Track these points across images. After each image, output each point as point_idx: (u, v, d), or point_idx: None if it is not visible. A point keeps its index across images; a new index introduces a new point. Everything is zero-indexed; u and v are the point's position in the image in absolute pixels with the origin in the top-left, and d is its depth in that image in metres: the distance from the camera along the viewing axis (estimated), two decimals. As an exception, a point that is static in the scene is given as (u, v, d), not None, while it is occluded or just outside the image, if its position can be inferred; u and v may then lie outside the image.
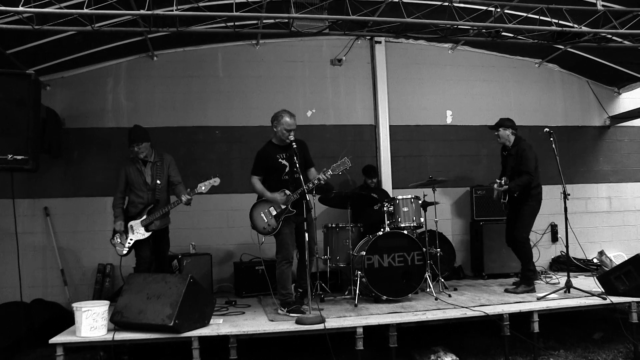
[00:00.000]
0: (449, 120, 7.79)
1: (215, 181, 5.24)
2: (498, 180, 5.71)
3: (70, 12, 4.72)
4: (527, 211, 5.68)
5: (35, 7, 4.57)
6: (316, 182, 4.94)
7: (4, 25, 4.84)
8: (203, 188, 5.24)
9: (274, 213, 4.99)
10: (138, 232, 5.28)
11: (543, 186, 5.83)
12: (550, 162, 5.61)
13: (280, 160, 5.04)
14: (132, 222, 5.31)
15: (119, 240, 5.31)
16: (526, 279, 5.70)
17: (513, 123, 5.93)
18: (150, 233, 5.30)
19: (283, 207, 4.96)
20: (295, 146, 4.86)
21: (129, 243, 5.28)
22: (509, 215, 5.95)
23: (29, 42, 5.70)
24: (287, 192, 4.95)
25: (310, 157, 5.27)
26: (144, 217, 5.29)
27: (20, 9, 4.51)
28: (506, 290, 5.73)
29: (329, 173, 4.92)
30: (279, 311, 4.96)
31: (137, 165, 5.38)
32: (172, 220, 5.55)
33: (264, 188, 5.05)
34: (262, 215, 5.03)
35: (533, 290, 5.56)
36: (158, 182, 5.35)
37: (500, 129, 5.90)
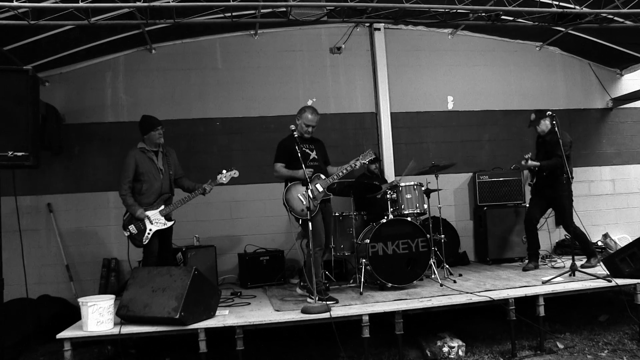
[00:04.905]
0: (450, 106, 7.74)
1: (235, 173, 5.34)
2: (526, 156, 5.85)
3: (66, 6, 4.67)
4: (566, 203, 5.79)
5: (30, 1, 4.53)
6: (350, 167, 5.09)
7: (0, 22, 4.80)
8: (224, 179, 5.30)
9: (312, 195, 4.90)
10: (158, 222, 5.12)
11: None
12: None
13: (305, 149, 5.10)
14: (147, 212, 5.10)
15: (135, 230, 5.06)
16: (592, 255, 5.97)
17: (546, 111, 6.05)
18: (172, 222, 5.23)
19: (320, 190, 5.01)
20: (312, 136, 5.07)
21: (149, 233, 5.08)
22: (534, 199, 6.16)
23: (25, 38, 5.66)
24: (322, 175, 5.02)
25: (327, 156, 5.40)
26: (162, 207, 5.17)
27: (16, 4, 4.48)
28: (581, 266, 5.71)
29: (361, 161, 5.11)
30: (309, 300, 4.86)
31: (147, 154, 5.20)
32: (175, 213, 5.49)
33: (293, 171, 5.03)
34: (300, 197, 4.98)
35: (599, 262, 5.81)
36: (171, 172, 5.32)
37: (542, 121, 6.03)
